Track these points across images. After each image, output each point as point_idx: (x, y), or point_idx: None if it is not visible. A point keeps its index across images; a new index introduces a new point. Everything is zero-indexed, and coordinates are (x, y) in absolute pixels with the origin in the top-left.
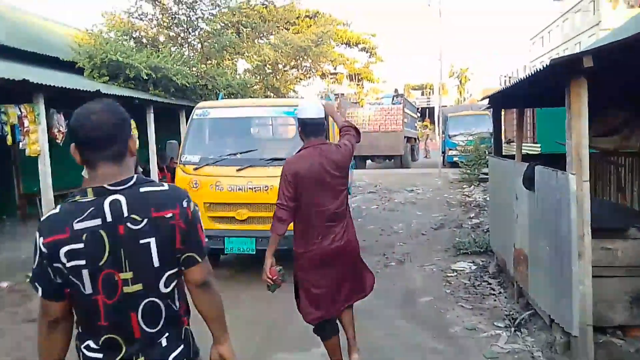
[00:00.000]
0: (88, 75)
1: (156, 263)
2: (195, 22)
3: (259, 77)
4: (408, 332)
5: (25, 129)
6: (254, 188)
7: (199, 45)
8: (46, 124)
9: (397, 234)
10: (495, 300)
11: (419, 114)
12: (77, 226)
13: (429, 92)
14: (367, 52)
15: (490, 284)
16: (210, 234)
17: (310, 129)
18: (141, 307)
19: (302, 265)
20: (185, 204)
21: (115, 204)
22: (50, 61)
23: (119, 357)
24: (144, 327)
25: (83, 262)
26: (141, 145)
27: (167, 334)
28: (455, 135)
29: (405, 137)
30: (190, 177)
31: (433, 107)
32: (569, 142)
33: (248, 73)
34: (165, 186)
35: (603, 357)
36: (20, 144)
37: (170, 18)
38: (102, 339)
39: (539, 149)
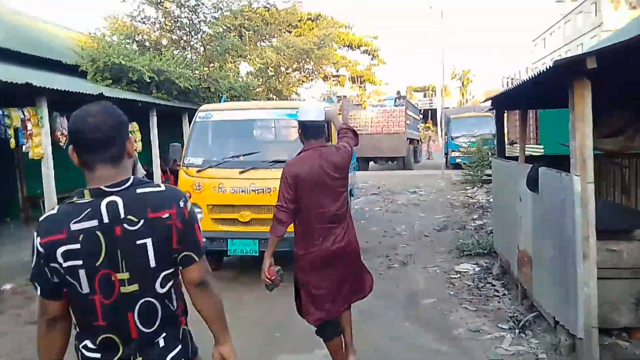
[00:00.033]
0: (91, 79)
1: (152, 263)
2: (198, 26)
3: (261, 80)
4: (411, 334)
5: (28, 132)
6: (257, 190)
7: (202, 48)
8: (49, 127)
9: (400, 235)
10: (499, 302)
11: (421, 116)
12: (74, 227)
13: (431, 94)
14: (369, 54)
15: (494, 285)
16: (213, 235)
17: (311, 131)
18: (137, 307)
19: (303, 266)
20: (182, 204)
21: (111, 206)
22: (53, 64)
23: (117, 357)
24: (140, 327)
25: (80, 262)
26: (144, 148)
27: (164, 334)
28: (457, 137)
29: (407, 138)
30: (193, 180)
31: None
32: (573, 143)
33: (250, 76)
34: (162, 187)
35: (608, 359)
36: (24, 147)
37: (172, 21)
38: (100, 338)
39: (542, 150)
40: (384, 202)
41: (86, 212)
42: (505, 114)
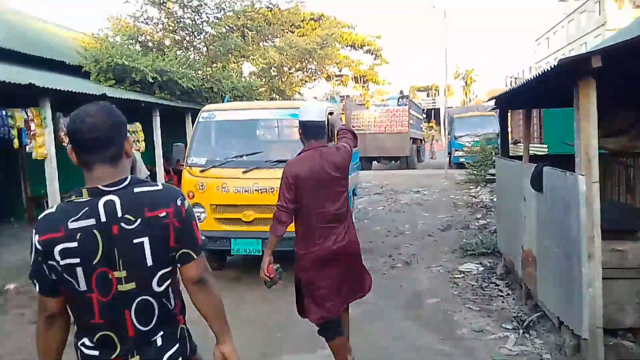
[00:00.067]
0: (94, 79)
1: (149, 262)
2: (201, 26)
3: (264, 80)
4: (415, 334)
5: (31, 133)
6: (260, 190)
7: (205, 49)
8: (53, 128)
9: (404, 235)
10: (503, 302)
11: (424, 115)
12: (72, 225)
13: (435, 94)
14: (372, 54)
15: (497, 285)
16: (216, 235)
17: (311, 131)
18: (134, 305)
19: (304, 266)
20: (179, 202)
21: (109, 205)
22: (56, 65)
23: (115, 354)
24: (137, 325)
25: (77, 260)
26: (147, 148)
27: (161, 333)
28: (461, 136)
29: (410, 138)
30: (196, 179)
31: (438, 109)
32: (578, 142)
33: (253, 76)
34: (160, 186)
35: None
36: (27, 147)
37: (175, 22)
38: (97, 336)
39: (546, 150)
40: (387, 201)
41: (84, 210)
42: (509, 113)
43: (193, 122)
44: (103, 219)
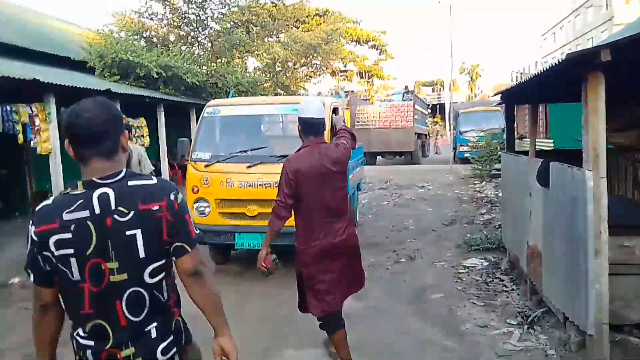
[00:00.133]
0: (99, 75)
1: (142, 254)
2: (205, 21)
3: (269, 75)
4: (419, 329)
5: (36, 128)
6: (264, 184)
7: (209, 44)
8: (57, 123)
9: (408, 230)
10: (507, 297)
11: (429, 111)
12: (66, 217)
13: (440, 89)
14: (377, 49)
15: (502, 280)
16: (220, 229)
17: (311, 128)
18: (125, 295)
19: (305, 261)
20: (172, 196)
21: (103, 197)
22: (61, 61)
23: (109, 345)
24: (128, 315)
25: (71, 250)
26: (152, 143)
27: (155, 324)
28: (466, 131)
29: (415, 133)
30: (201, 174)
31: (444, 104)
32: (586, 138)
33: (258, 71)
34: (154, 180)
35: (619, 356)
36: (32, 142)
37: (180, 17)
38: (89, 326)
39: (552, 145)
40: (392, 196)
41: (78, 202)
42: (515, 108)
43: (197, 118)
44: (97, 210)
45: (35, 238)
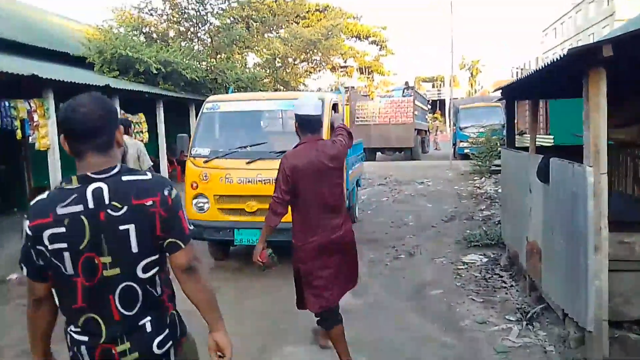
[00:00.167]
0: (98, 70)
1: (135, 249)
2: (205, 17)
3: (268, 71)
4: (418, 326)
5: (34, 124)
6: (263, 180)
7: (209, 40)
8: (56, 118)
9: (407, 226)
10: (506, 294)
11: (429, 106)
12: (60, 211)
13: (440, 85)
14: (377, 45)
15: (501, 276)
16: (219, 225)
17: (308, 125)
18: (118, 290)
19: (302, 257)
20: (166, 192)
21: (97, 191)
22: (60, 56)
23: (102, 339)
24: (121, 309)
25: (65, 245)
26: (151, 139)
27: (149, 318)
28: (466, 127)
29: (415, 129)
30: (200, 170)
31: (444, 100)
32: (587, 134)
33: (258, 67)
34: (149, 175)
35: (618, 352)
36: (30, 138)
37: (180, 13)
38: (82, 320)
39: (552, 141)
40: (391, 192)
41: (72, 197)
42: (515, 104)
43: (197, 113)
44: (91, 205)
45: (29, 232)
